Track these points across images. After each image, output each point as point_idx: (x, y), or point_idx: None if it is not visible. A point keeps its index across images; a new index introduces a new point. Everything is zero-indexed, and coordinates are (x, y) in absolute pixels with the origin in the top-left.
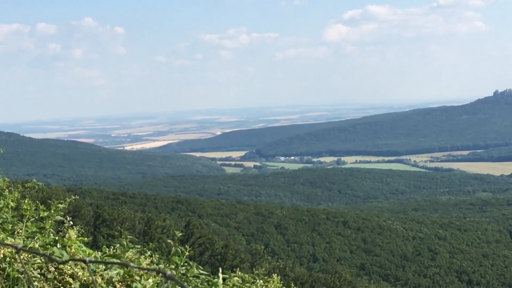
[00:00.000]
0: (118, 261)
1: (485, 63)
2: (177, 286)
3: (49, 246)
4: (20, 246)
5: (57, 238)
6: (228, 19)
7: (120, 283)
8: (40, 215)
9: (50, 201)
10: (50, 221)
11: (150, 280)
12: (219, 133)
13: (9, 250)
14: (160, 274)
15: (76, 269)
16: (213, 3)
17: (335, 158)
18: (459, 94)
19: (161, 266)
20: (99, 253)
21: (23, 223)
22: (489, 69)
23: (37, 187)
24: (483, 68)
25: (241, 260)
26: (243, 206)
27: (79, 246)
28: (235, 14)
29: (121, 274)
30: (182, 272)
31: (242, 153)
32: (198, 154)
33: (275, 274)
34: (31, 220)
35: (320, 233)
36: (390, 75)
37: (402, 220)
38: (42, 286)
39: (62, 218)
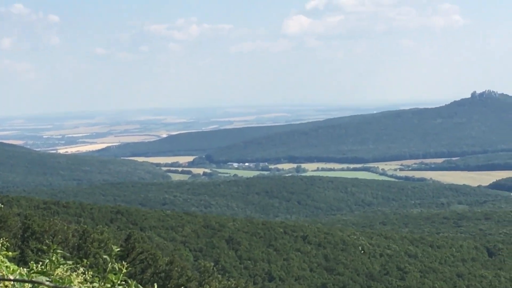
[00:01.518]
0: (46, 278)
1: (463, 61)
2: None
3: None
4: None
5: None
6: (177, 7)
7: None
8: None
9: None
10: None
11: None
12: (164, 135)
13: None
14: None
15: None
16: None
17: (295, 165)
18: (433, 95)
19: (95, 284)
20: (25, 269)
21: None
22: (467, 68)
23: None
24: (460, 67)
25: (188, 279)
26: (190, 218)
27: (2, 261)
28: (184, 2)
29: None
30: None
31: (190, 158)
32: (140, 159)
33: None
34: None
35: (276, 249)
36: (357, 73)
37: (368, 235)
38: None
39: None
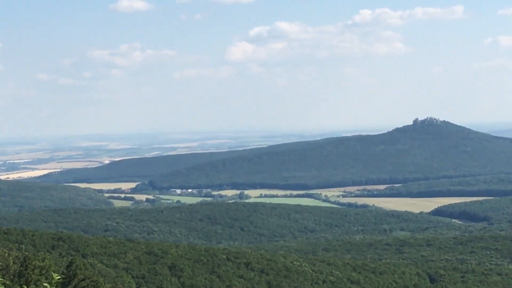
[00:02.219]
0: None
1: (405, 89)
2: None
3: None
4: None
5: None
6: (120, 33)
7: None
8: None
9: None
10: None
11: None
12: (107, 161)
13: None
14: None
15: None
16: (102, 15)
17: (238, 192)
18: (376, 122)
19: None
20: None
21: None
22: (409, 95)
23: None
24: (402, 94)
25: None
26: (133, 244)
27: None
28: (127, 27)
29: None
30: None
31: (133, 185)
32: (83, 185)
33: None
34: None
35: (219, 276)
36: (300, 99)
37: (311, 261)
38: None
39: None
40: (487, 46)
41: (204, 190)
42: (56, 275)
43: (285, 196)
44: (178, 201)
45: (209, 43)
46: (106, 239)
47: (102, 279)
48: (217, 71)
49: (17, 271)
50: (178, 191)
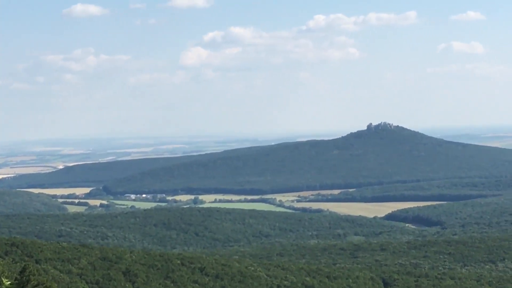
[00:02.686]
0: None
1: (359, 94)
2: None
3: None
4: None
5: None
6: (74, 38)
7: None
8: None
9: None
10: None
11: None
12: (61, 167)
13: None
14: None
15: None
16: (56, 19)
17: (192, 197)
18: (330, 127)
19: None
20: None
21: None
22: (363, 100)
23: None
24: (357, 99)
25: None
26: (87, 250)
27: None
28: (81, 32)
29: None
30: None
31: (87, 190)
32: (36, 191)
33: None
34: None
35: (174, 281)
36: (255, 104)
37: (266, 266)
38: None
39: None
40: (440, 52)
41: (159, 195)
42: (7, 280)
43: (240, 201)
44: (132, 207)
45: (163, 48)
46: (59, 245)
47: (56, 285)
48: (171, 76)
49: None
50: (133, 196)
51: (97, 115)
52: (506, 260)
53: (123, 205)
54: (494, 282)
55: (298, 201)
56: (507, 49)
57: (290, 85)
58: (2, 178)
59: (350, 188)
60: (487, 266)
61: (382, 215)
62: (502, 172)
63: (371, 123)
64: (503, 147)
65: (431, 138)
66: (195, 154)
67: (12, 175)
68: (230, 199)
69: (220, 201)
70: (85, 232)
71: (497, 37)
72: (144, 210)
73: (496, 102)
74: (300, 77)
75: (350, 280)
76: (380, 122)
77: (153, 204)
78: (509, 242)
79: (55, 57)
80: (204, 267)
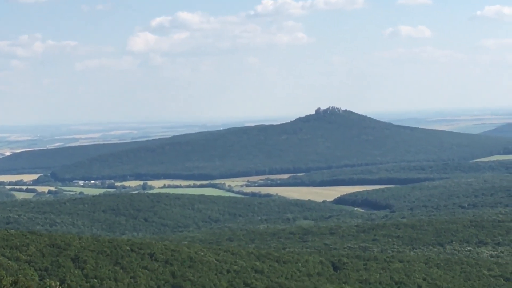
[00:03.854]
0: None
1: (307, 78)
2: None
3: None
4: None
5: None
6: (20, 23)
7: None
8: None
9: None
10: None
11: None
12: (8, 153)
13: None
14: None
15: None
16: (2, 4)
17: (141, 182)
18: (279, 112)
19: None
20: None
21: None
22: (311, 85)
23: None
24: (305, 84)
25: None
26: (35, 236)
27: None
28: (28, 18)
29: None
30: None
31: (35, 177)
32: None
33: None
34: None
35: (123, 267)
36: (203, 89)
37: (215, 251)
38: None
39: None
40: (387, 36)
41: (107, 181)
42: None
43: (189, 186)
44: (81, 193)
45: (110, 34)
46: (7, 232)
47: (4, 272)
48: (119, 62)
49: None
50: (81, 182)
51: (45, 101)
52: (453, 242)
53: (72, 191)
54: (442, 264)
55: (247, 186)
56: (454, 33)
57: (238, 70)
58: None
59: (299, 173)
60: (435, 249)
61: (331, 199)
62: (450, 156)
63: (319, 108)
64: (450, 130)
65: (379, 122)
66: (143, 139)
67: None
68: (179, 184)
69: (169, 186)
70: (33, 219)
71: (443, 21)
72: (93, 196)
73: (443, 86)
74: (248, 62)
75: (300, 264)
76: (328, 107)
77: (102, 190)
78: (457, 225)
79: (1, 43)
80: (154, 253)
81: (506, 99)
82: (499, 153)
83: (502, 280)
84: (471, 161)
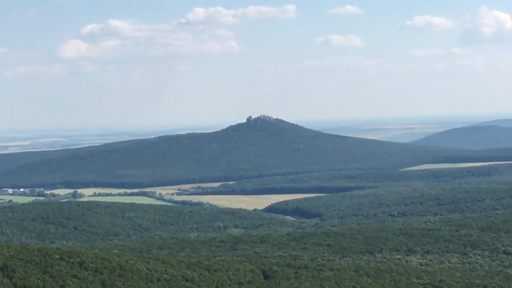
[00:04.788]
0: None
1: (238, 87)
2: None
3: None
4: None
5: None
6: None
7: None
8: None
9: None
10: None
11: None
12: None
13: None
14: None
15: None
16: None
17: (71, 191)
18: (210, 120)
19: None
20: None
21: None
22: (243, 93)
23: None
24: (236, 92)
25: None
26: None
27: None
28: None
29: None
30: None
31: None
32: None
33: None
34: None
35: (52, 276)
36: (134, 97)
37: (145, 259)
38: None
39: None
40: (318, 45)
41: (37, 189)
42: None
43: (120, 194)
44: (10, 201)
45: (41, 41)
46: None
47: None
48: (49, 69)
49: None
50: (10, 190)
51: None
52: (383, 251)
53: (0, 199)
54: (372, 272)
55: (178, 194)
56: (384, 43)
57: (170, 78)
58: None
59: (230, 181)
60: (365, 257)
61: (262, 207)
62: (380, 164)
63: (250, 116)
64: (380, 139)
65: (309, 130)
66: (73, 147)
67: None
68: (109, 192)
69: (99, 194)
70: None
71: (374, 31)
72: (22, 204)
73: (373, 95)
74: (179, 70)
75: (230, 273)
76: (259, 115)
77: (31, 198)
78: (387, 233)
79: None
80: (83, 262)
81: (435, 108)
82: (428, 162)
83: None
84: (400, 170)
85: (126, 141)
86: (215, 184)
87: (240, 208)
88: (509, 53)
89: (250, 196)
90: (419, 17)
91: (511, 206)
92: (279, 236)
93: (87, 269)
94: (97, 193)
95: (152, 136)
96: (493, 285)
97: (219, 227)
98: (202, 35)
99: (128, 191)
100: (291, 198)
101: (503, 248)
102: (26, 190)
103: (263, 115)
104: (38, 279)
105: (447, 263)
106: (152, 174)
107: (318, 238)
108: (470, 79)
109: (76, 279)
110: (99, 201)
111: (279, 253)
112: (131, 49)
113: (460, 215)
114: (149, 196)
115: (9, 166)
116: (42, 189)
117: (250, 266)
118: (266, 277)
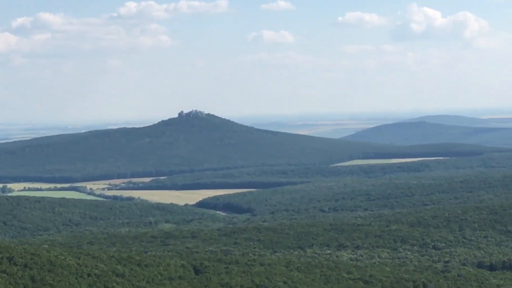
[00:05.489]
0: None
1: (170, 81)
2: None
3: None
4: None
5: None
6: None
7: None
8: None
9: None
10: None
11: None
12: None
13: None
14: None
15: None
16: None
17: (0, 185)
18: (142, 115)
19: None
20: None
21: None
22: (175, 88)
23: None
24: (168, 87)
25: None
26: None
27: None
28: None
29: None
30: None
31: None
32: None
33: None
34: None
35: None
36: (65, 91)
37: (76, 255)
38: None
39: None
40: (251, 41)
41: None
42: None
43: (50, 189)
44: None
45: None
46: None
47: None
48: None
49: None
50: None
51: None
52: (314, 246)
53: None
54: (303, 267)
55: (109, 189)
56: (316, 39)
57: (101, 72)
58: None
59: (162, 176)
60: (296, 252)
61: (193, 202)
62: (311, 160)
63: (182, 111)
64: (311, 135)
65: (241, 126)
66: (3, 141)
67: None
68: (39, 187)
69: (29, 189)
70: None
71: (306, 27)
72: None
73: (305, 91)
74: (111, 64)
75: (161, 268)
76: (191, 110)
77: None
78: (317, 229)
79: None
80: (13, 257)
81: (365, 105)
82: (358, 158)
83: (361, 283)
84: (331, 165)
85: (57, 136)
86: (147, 179)
87: (171, 203)
88: (438, 50)
89: (181, 191)
90: (350, 13)
91: (440, 202)
92: (210, 231)
93: (17, 264)
94: (27, 188)
95: (83, 131)
96: (422, 279)
97: (150, 222)
98: (134, 29)
99: (59, 186)
100: (223, 193)
101: (432, 243)
102: None
103: (195, 110)
104: None
105: (377, 258)
106: (83, 169)
107: (249, 233)
108: (400, 75)
109: (5, 275)
110: (29, 196)
111: (210, 248)
112: (62, 43)
113: (390, 211)
114: (80, 191)
115: None
116: None
117: (181, 261)
118: (197, 272)
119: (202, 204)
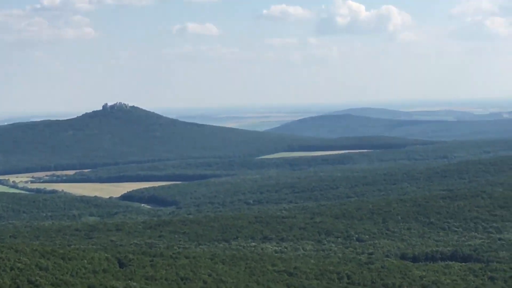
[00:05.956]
0: None
1: (94, 73)
2: None
3: None
4: None
5: None
6: None
7: None
8: None
9: None
10: None
11: None
12: None
13: None
14: None
15: None
16: None
17: None
18: (65, 107)
19: None
20: None
21: None
22: (99, 80)
23: None
24: (92, 79)
25: None
26: None
27: None
28: None
29: None
30: None
31: None
32: None
33: None
34: None
35: None
36: None
37: None
38: None
39: None
40: (175, 33)
41: None
42: None
43: None
44: None
45: None
46: None
47: None
48: None
49: None
50: None
51: None
52: (239, 238)
53: None
54: (228, 260)
55: (32, 182)
56: (240, 32)
57: (24, 64)
58: None
59: (85, 169)
60: (220, 245)
61: (118, 195)
62: (236, 152)
63: (106, 103)
64: (237, 127)
65: (166, 118)
66: None
67: None
68: None
69: None
70: None
71: (230, 20)
72: None
73: (230, 83)
74: (33, 56)
75: (85, 261)
76: (115, 102)
77: None
78: (242, 221)
79: None
80: None
81: (290, 97)
82: (283, 150)
83: (286, 275)
84: (256, 158)
85: None
86: (70, 172)
87: (95, 196)
88: (362, 43)
89: (105, 184)
90: (275, 6)
91: (364, 194)
92: (135, 224)
93: None
94: None
95: (6, 123)
96: (346, 271)
97: (74, 215)
98: (57, 21)
99: None
100: (147, 186)
101: (356, 236)
102: None
103: (119, 103)
104: None
105: (302, 250)
106: (6, 161)
107: (174, 226)
108: (325, 68)
109: None
110: None
111: (135, 241)
112: None
113: (315, 203)
114: (2, 184)
115: None
116: None
117: (106, 255)
118: (121, 265)
119: (126, 197)
